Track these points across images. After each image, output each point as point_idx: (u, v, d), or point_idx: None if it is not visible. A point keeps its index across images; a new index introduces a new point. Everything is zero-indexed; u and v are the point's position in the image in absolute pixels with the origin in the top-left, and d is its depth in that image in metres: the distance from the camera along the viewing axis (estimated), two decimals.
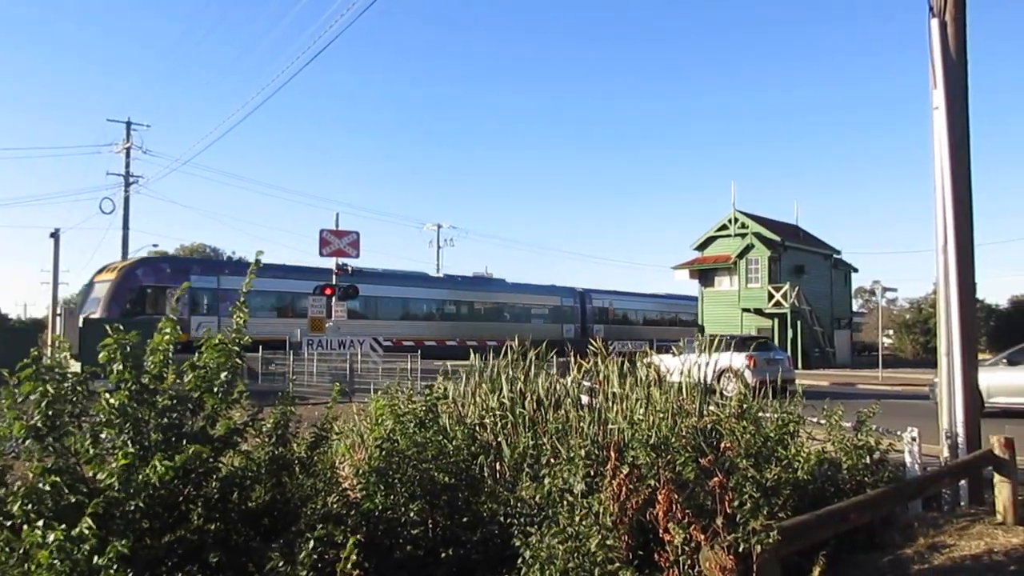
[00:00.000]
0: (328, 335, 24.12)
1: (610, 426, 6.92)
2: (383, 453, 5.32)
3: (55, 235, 32.82)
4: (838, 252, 46.97)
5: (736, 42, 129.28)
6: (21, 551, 3.56)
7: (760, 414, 6.41)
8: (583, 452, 4.89)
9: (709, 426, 6.32)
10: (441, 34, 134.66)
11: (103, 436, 4.15)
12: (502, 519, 5.17)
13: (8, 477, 4.32)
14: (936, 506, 6.78)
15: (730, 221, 42.71)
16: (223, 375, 4.62)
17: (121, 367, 4.28)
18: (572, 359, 8.92)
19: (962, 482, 6.68)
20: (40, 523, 3.62)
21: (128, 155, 39.67)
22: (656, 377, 8.24)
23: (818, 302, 42.73)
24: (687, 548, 4.00)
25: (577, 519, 4.39)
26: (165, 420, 4.32)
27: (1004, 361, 16.04)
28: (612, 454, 4.62)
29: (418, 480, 5.24)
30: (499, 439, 7.26)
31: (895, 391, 23.68)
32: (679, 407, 7.48)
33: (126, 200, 39.56)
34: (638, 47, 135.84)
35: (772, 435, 5.74)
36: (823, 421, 6.80)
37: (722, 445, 4.99)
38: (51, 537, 3.45)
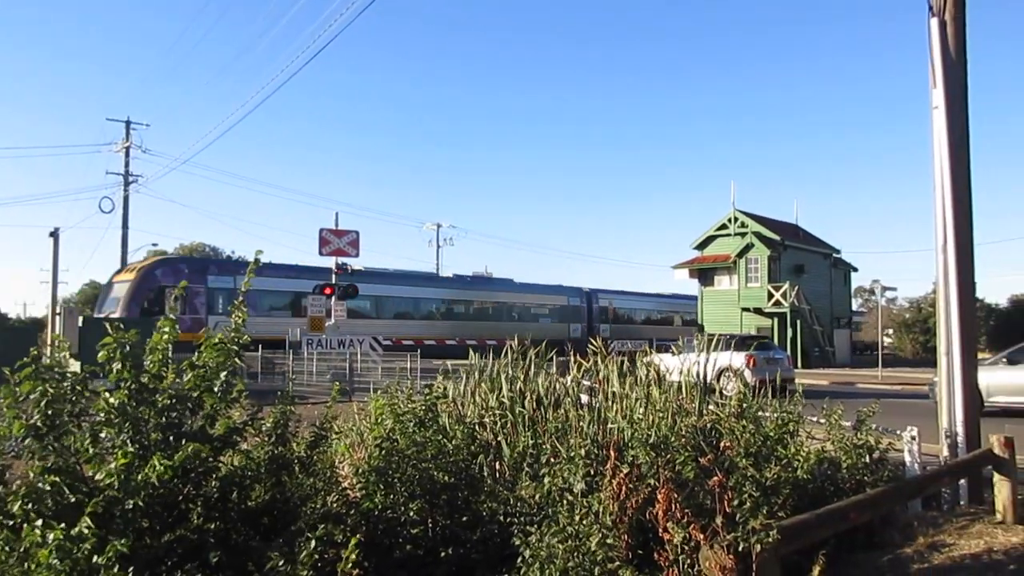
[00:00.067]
0: (328, 334, 24.09)
1: (610, 425, 6.92)
2: (383, 452, 5.32)
3: (54, 234, 32.83)
4: (838, 251, 46.98)
5: (736, 42, 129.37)
6: (21, 550, 3.56)
7: (760, 413, 6.40)
8: (583, 451, 4.89)
9: (709, 425, 6.32)
10: (441, 34, 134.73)
11: (103, 435, 4.15)
12: (502, 518, 5.17)
13: (8, 476, 4.32)
14: (936, 505, 6.78)
15: (730, 220, 42.71)
16: (222, 375, 4.61)
17: (120, 366, 4.28)
18: (572, 358, 8.92)
19: (962, 481, 6.68)
20: (39, 522, 3.62)
21: (127, 154, 39.69)
22: (656, 376, 8.24)
23: (818, 301, 42.73)
24: (687, 547, 4.00)
25: (577, 518, 4.39)
26: (164, 419, 4.32)
27: (1004, 360, 16.04)
28: (612, 453, 4.62)
29: (418, 479, 5.25)
30: (499, 438, 7.26)
31: (895, 390, 23.69)
32: (679, 406, 7.48)
33: (125, 199, 39.59)
34: (638, 47, 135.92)
35: (772, 434, 5.74)
36: (823, 420, 6.79)
37: (722, 444, 4.99)
38: (51, 536, 3.45)
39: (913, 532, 5.68)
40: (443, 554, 4.98)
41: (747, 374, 16.92)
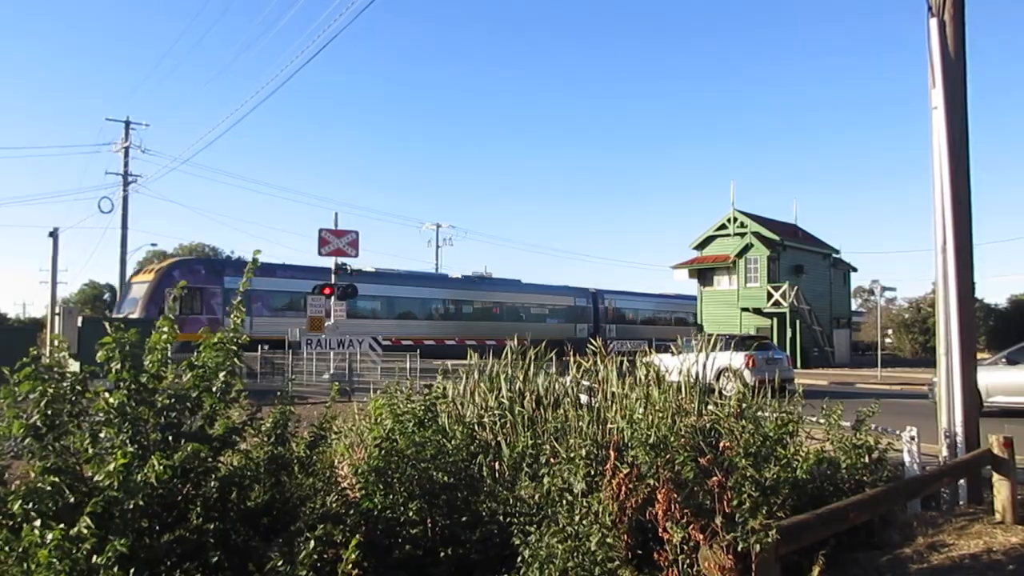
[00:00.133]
0: (327, 334, 24.08)
1: (609, 425, 6.92)
2: (382, 452, 5.31)
3: (54, 234, 32.87)
4: (837, 251, 46.99)
5: (736, 42, 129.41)
6: (20, 550, 3.55)
7: (759, 413, 6.40)
8: (583, 452, 4.89)
9: (708, 425, 6.32)
10: (441, 34, 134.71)
11: (102, 435, 4.14)
12: (501, 518, 5.17)
13: (7, 476, 4.32)
14: (935, 505, 6.78)
15: (729, 220, 42.71)
16: (221, 375, 4.61)
17: (120, 366, 4.27)
18: (572, 358, 8.92)
19: (961, 481, 6.68)
20: (38, 522, 3.61)
21: (127, 154, 39.62)
22: (655, 377, 8.24)
23: (817, 301, 42.74)
24: (686, 547, 4.00)
25: (577, 518, 4.39)
26: (164, 419, 4.32)
27: (1003, 360, 16.05)
28: (612, 453, 4.62)
29: (417, 479, 5.24)
30: (498, 438, 7.26)
31: (894, 390, 23.71)
32: (678, 406, 7.48)
33: (125, 199, 39.53)
34: (638, 47, 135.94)
35: (771, 434, 5.73)
36: (822, 420, 6.80)
37: (721, 444, 4.99)
38: (50, 536, 3.45)
39: (912, 532, 5.69)
40: (443, 554, 4.98)
41: (746, 374, 16.94)
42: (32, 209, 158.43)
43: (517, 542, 4.56)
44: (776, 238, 41.15)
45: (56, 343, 4.82)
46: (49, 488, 3.78)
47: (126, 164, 39.73)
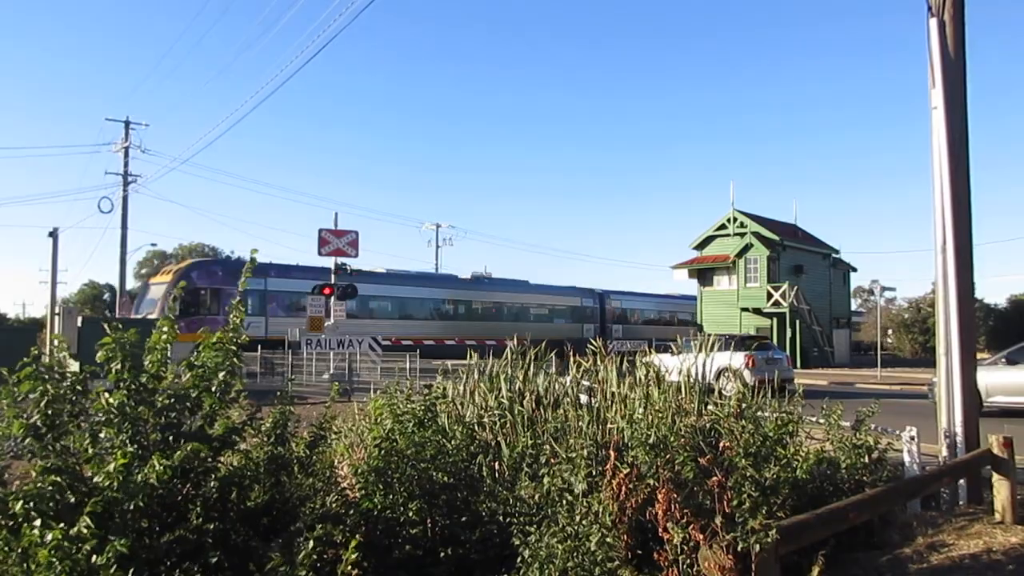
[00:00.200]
0: (327, 334, 24.07)
1: (609, 426, 6.92)
2: (382, 453, 5.32)
3: (53, 234, 32.85)
4: (837, 251, 46.99)
5: (736, 42, 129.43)
6: (20, 550, 3.55)
7: (759, 413, 6.40)
8: (584, 452, 4.89)
9: (708, 425, 6.32)
10: (441, 34, 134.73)
11: (102, 435, 4.14)
12: (501, 518, 5.17)
13: (7, 476, 4.31)
14: (935, 505, 6.78)
15: (729, 220, 42.72)
16: (221, 374, 4.61)
17: (120, 366, 4.27)
18: (572, 359, 8.91)
19: (961, 481, 6.68)
20: (38, 522, 3.61)
21: (127, 154, 39.57)
22: (655, 377, 8.24)
23: (817, 301, 42.75)
24: (686, 547, 4.01)
25: (577, 518, 4.39)
26: (163, 419, 4.32)
27: (1003, 360, 16.05)
28: (612, 453, 4.62)
29: (417, 480, 5.25)
30: (498, 439, 7.26)
31: (894, 390, 23.71)
32: (678, 406, 7.48)
33: (124, 199, 39.49)
34: (638, 47, 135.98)
35: (771, 434, 5.73)
36: (822, 420, 6.79)
37: (721, 444, 4.99)
38: (50, 536, 3.45)
39: (912, 532, 5.69)
40: (442, 554, 4.98)
41: (746, 374, 16.93)
42: (32, 209, 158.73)
43: (517, 542, 4.56)
44: (776, 238, 41.16)
45: (56, 343, 4.82)
46: (49, 488, 3.78)
47: (126, 164, 39.71)
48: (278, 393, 5.46)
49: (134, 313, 32.29)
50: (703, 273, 44.44)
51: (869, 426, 6.56)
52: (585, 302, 50.46)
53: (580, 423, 7.14)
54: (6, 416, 4.04)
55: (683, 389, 8.04)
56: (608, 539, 4.20)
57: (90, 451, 4.04)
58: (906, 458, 7.01)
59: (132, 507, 3.81)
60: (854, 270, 49.78)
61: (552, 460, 5.29)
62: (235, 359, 4.76)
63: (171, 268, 34.54)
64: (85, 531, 3.53)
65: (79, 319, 23.70)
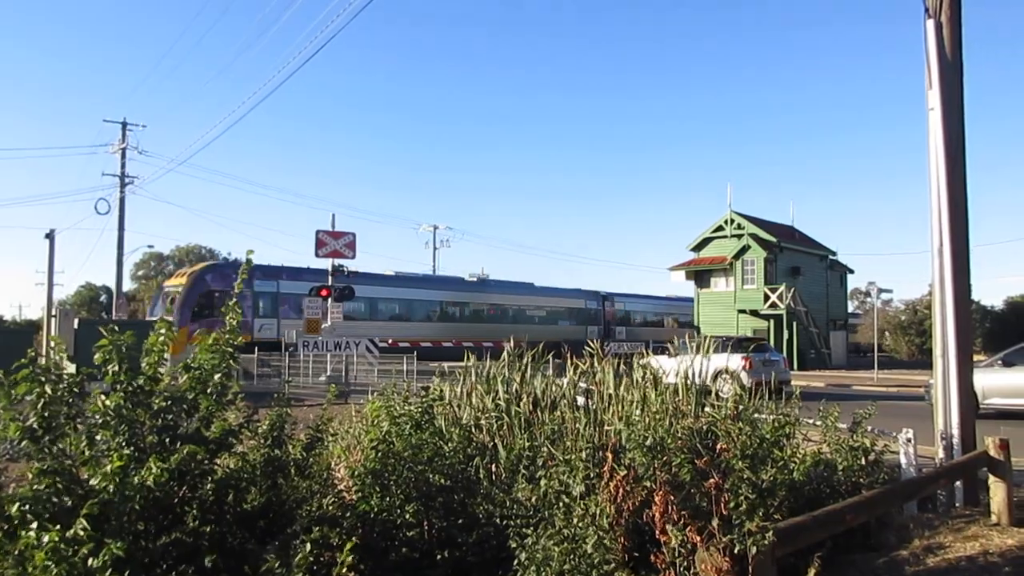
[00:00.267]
0: (324, 336, 24.04)
1: (606, 428, 6.91)
2: (379, 455, 5.31)
3: (50, 236, 32.78)
4: (834, 253, 47.04)
5: (733, 44, 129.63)
6: (16, 552, 3.54)
7: (756, 415, 6.40)
8: (582, 455, 4.88)
9: (705, 427, 6.32)
10: (438, 36, 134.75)
11: (98, 438, 4.13)
12: (498, 521, 5.16)
13: (3, 479, 4.30)
14: (931, 507, 6.79)
15: (726, 222, 42.76)
16: (217, 376, 4.60)
17: (116, 368, 4.27)
18: (569, 360, 8.89)
19: (957, 483, 6.69)
20: (35, 525, 3.60)
21: (124, 156, 39.49)
22: (652, 378, 8.23)
23: (814, 303, 42.79)
24: (683, 550, 4.00)
25: (574, 520, 4.38)
26: (160, 422, 4.31)
27: (999, 362, 16.07)
28: (609, 456, 4.61)
29: (414, 482, 5.24)
30: (495, 441, 7.25)
31: (890, 392, 23.73)
32: (675, 408, 7.47)
33: (121, 201, 39.41)
34: (635, 49, 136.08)
35: (768, 436, 5.73)
36: (819, 422, 6.79)
37: (718, 446, 4.99)
38: (46, 539, 3.44)
39: (909, 534, 5.69)
40: (439, 556, 4.97)
41: (743, 376, 16.94)
42: (28, 210, 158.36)
43: (514, 544, 4.55)
44: (773, 240, 41.20)
45: (53, 345, 4.80)
46: (45, 490, 3.77)
47: (123, 165, 39.62)
48: (275, 395, 5.45)
49: (149, 315, 32.59)
50: (700, 275, 44.47)
51: (866, 428, 6.55)
52: (589, 304, 50.94)
53: (577, 425, 7.13)
54: (2, 418, 4.02)
55: (680, 391, 8.03)
56: (605, 541, 4.19)
57: (86, 453, 4.03)
58: (903, 460, 7.01)
59: (128, 509, 3.80)
60: (851, 272, 49.85)
61: (549, 462, 5.28)
62: (231, 361, 4.75)
63: (186, 271, 34.97)
64: (82, 533, 3.52)
65: (76, 321, 23.64)
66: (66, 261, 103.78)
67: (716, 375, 15.32)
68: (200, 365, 4.65)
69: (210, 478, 4.44)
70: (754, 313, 41.12)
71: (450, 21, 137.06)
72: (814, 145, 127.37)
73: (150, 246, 53.60)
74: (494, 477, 6.29)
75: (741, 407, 6.50)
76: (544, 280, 69.46)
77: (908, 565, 5.09)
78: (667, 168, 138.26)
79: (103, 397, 4.22)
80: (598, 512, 4.35)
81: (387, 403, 6.24)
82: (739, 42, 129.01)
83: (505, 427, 7.54)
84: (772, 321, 40.33)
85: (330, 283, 25.20)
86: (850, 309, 55.19)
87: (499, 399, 8.03)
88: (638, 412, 7.14)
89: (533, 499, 5.10)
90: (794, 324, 40.02)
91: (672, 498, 4.17)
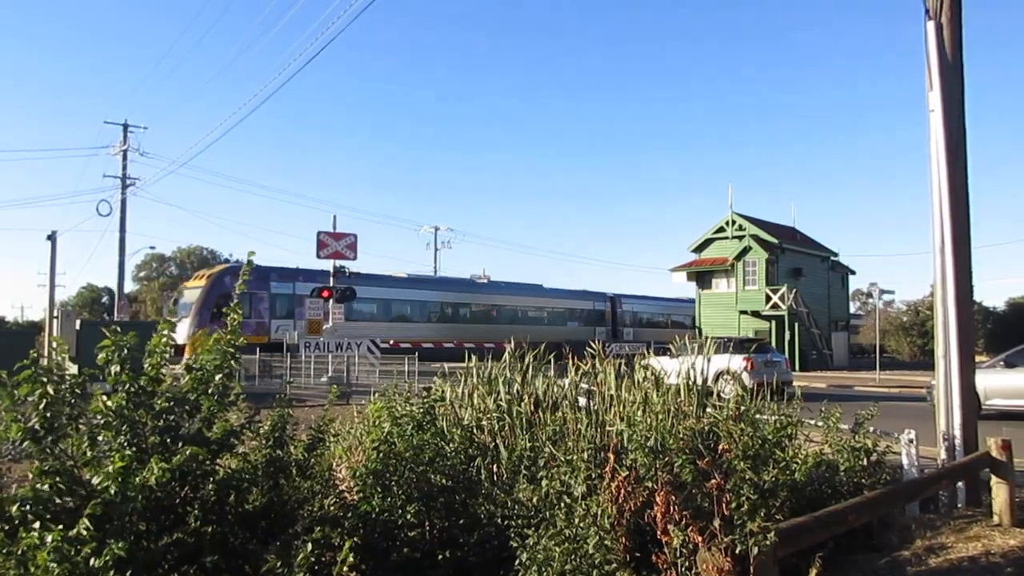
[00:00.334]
0: (325, 337, 24.04)
1: (608, 428, 6.91)
2: (380, 455, 5.31)
3: (52, 237, 32.81)
4: (835, 254, 47.02)
5: (734, 45, 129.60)
6: (19, 553, 3.55)
7: (758, 416, 6.39)
8: (584, 455, 4.88)
9: (706, 428, 6.31)
10: (438, 38, 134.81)
11: (100, 438, 4.14)
12: (499, 521, 5.16)
13: (6, 479, 4.31)
14: (933, 508, 6.78)
15: (727, 223, 42.75)
16: (218, 377, 4.61)
17: (119, 369, 4.27)
18: (570, 361, 8.89)
19: (959, 484, 6.68)
20: (37, 524, 3.61)
21: (125, 157, 39.57)
22: (654, 379, 8.22)
23: (815, 304, 42.76)
24: (685, 550, 4.00)
25: (576, 521, 4.38)
26: (162, 422, 4.31)
27: (1001, 363, 16.06)
28: (610, 456, 4.61)
29: (415, 482, 5.24)
30: (496, 441, 7.25)
31: (892, 393, 23.71)
32: (677, 409, 7.46)
33: (123, 202, 39.47)
34: (636, 50, 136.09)
35: (770, 437, 5.73)
36: (821, 423, 6.79)
37: (720, 447, 4.99)
38: (49, 539, 3.44)
39: (910, 535, 5.68)
40: (440, 557, 4.97)
41: (745, 377, 16.92)
42: (30, 212, 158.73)
43: (515, 545, 4.55)
44: (774, 241, 41.18)
45: (55, 346, 4.81)
46: (47, 491, 3.77)
47: (124, 167, 39.70)
48: (277, 396, 5.45)
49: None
50: (702, 276, 44.46)
51: (868, 429, 6.55)
52: (597, 305, 51.40)
53: (579, 426, 7.13)
54: (5, 419, 4.03)
55: (682, 392, 8.03)
56: (606, 542, 4.19)
57: (88, 454, 4.04)
58: (905, 461, 7.00)
59: (130, 510, 3.80)
60: (853, 273, 49.83)
61: (551, 463, 5.28)
62: (233, 361, 4.76)
63: (204, 273, 35.32)
64: (84, 533, 3.52)
65: (77, 322, 23.70)
66: (68, 262, 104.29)
67: (718, 376, 15.32)
68: (202, 366, 4.66)
69: (212, 478, 4.44)
70: (756, 314, 41.10)
71: (450, 21, 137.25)
72: (815, 146, 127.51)
73: (152, 247, 53.89)
74: (495, 477, 6.29)
75: (743, 408, 6.49)
76: (544, 281, 69.67)
77: (910, 565, 5.08)
78: (667, 168, 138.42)
79: (104, 398, 4.22)
80: (599, 512, 4.35)
81: (389, 404, 6.24)
82: (739, 42, 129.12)
83: (507, 428, 7.54)
84: (774, 322, 40.31)
85: (331, 284, 25.21)
86: (852, 310, 55.18)
87: (501, 400, 8.03)
88: (640, 413, 7.13)
89: (534, 499, 5.10)
90: (796, 325, 40.00)
91: (674, 498, 4.17)
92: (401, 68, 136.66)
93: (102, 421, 4.13)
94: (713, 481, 4.24)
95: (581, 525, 4.33)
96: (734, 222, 42.40)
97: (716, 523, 4.01)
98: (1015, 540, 5.42)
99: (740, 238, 41.74)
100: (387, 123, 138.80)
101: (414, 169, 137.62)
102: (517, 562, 4.47)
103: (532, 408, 7.86)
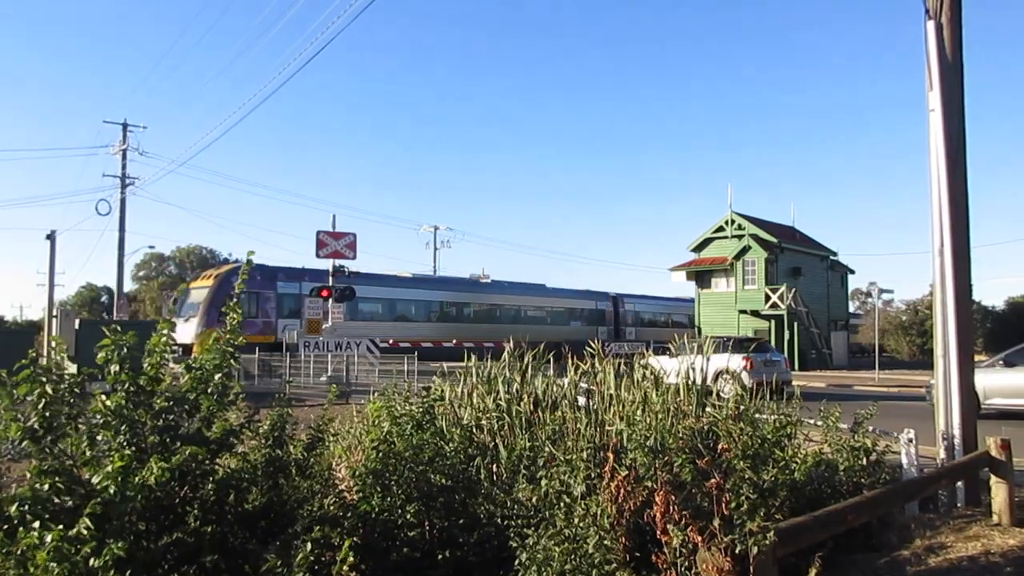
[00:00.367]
0: (324, 336, 24.01)
1: (607, 428, 6.91)
2: (380, 455, 5.31)
3: (51, 237, 32.78)
4: (835, 254, 47.03)
5: (734, 45, 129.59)
6: (18, 552, 3.54)
7: (757, 415, 6.39)
8: (584, 455, 4.88)
9: (706, 427, 6.31)
10: (438, 38, 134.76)
11: (99, 438, 4.14)
12: (499, 521, 5.16)
13: (4, 479, 4.30)
14: (932, 508, 6.78)
15: (727, 223, 42.75)
16: (217, 376, 4.60)
17: (118, 368, 4.27)
18: (570, 361, 8.89)
19: (958, 484, 6.68)
20: (37, 524, 3.60)
21: (124, 157, 39.57)
22: (653, 378, 8.22)
23: (815, 304, 42.76)
24: (684, 550, 4.00)
25: (575, 521, 4.38)
26: (161, 422, 4.31)
27: (1000, 363, 16.07)
28: (610, 456, 4.61)
29: (415, 482, 5.24)
30: (496, 441, 7.25)
31: (892, 392, 23.73)
32: (676, 408, 7.46)
33: (122, 202, 39.47)
34: (636, 50, 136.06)
35: (769, 436, 5.73)
36: (820, 422, 6.79)
37: (719, 446, 4.99)
38: (48, 538, 3.44)
39: (910, 534, 5.68)
40: (440, 556, 4.97)
41: (745, 376, 16.92)
42: (29, 211, 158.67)
43: (515, 544, 4.55)
44: (774, 240, 41.18)
45: (55, 345, 4.81)
46: (45, 490, 3.77)
47: (123, 166, 39.71)
48: (276, 395, 5.45)
49: (176, 317, 33.05)
50: (701, 275, 44.46)
51: (867, 428, 6.55)
52: (600, 305, 51.42)
53: (578, 425, 7.13)
54: (4, 419, 4.03)
55: (681, 391, 8.02)
56: (606, 541, 4.19)
57: (87, 453, 4.03)
58: (904, 460, 7.00)
59: (129, 509, 3.80)
60: (852, 272, 49.83)
61: (550, 462, 5.28)
62: (232, 361, 4.75)
63: (211, 273, 35.31)
64: (85, 533, 3.52)
65: (77, 321, 23.69)
66: (67, 262, 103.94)
67: (717, 375, 15.31)
68: (201, 365, 4.66)
69: (211, 478, 4.44)
70: (755, 313, 41.10)
71: (450, 21, 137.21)
72: (815, 146, 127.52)
73: (151, 247, 53.81)
74: (495, 477, 6.29)
75: (742, 407, 6.49)
76: (545, 280, 69.77)
77: (910, 565, 5.08)
78: (667, 168, 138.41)
79: (103, 397, 4.22)
80: (599, 512, 4.35)
81: (388, 403, 6.24)
82: (739, 42, 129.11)
83: (506, 427, 7.54)
84: (773, 321, 40.32)
85: (330, 283, 25.19)
86: (851, 309, 55.17)
87: (500, 399, 8.03)
88: (639, 412, 7.13)
89: (534, 499, 5.09)
90: (795, 324, 40.00)
91: (673, 498, 4.17)
92: (401, 68, 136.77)
93: (101, 420, 4.13)
94: (713, 481, 4.24)
95: (581, 525, 4.33)
96: (733, 221, 42.40)
97: (716, 523, 4.00)
98: (1014, 539, 5.42)
99: (739, 237, 41.74)
100: (387, 123, 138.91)
101: (414, 169, 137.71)
102: (517, 562, 4.47)
103: (532, 407, 7.85)
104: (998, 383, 15.26)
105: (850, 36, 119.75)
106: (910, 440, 7.01)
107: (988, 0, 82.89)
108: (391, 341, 29.30)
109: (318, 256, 24.72)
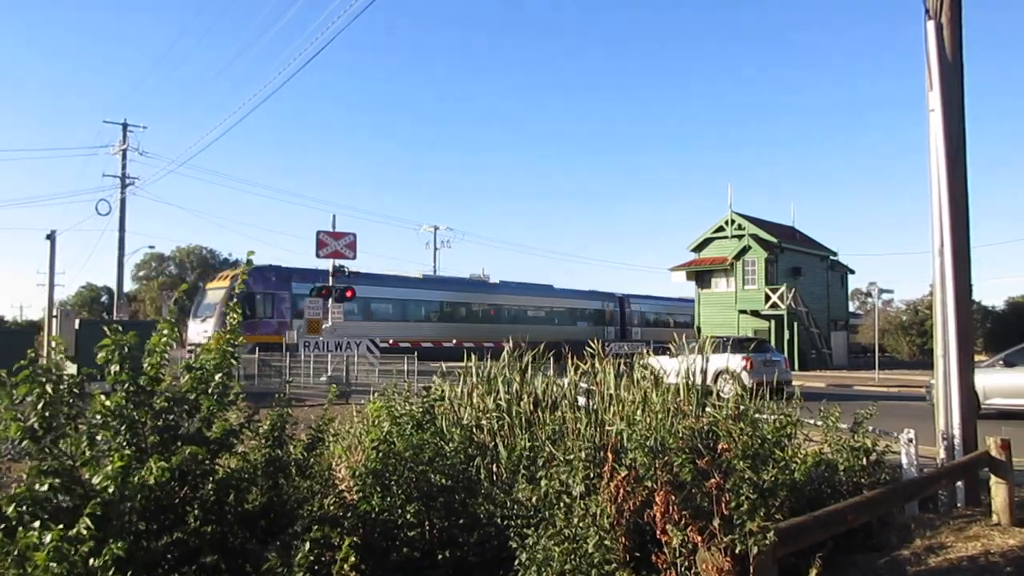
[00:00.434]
0: (324, 336, 24.00)
1: (607, 428, 6.90)
2: (380, 455, 5.31)
3: (51, 237, 32.81)
4: (835, 254, 47.02)
5: (734, 46, 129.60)
6: (17, 553, 3.54)
7: (757, 415, 6.39)
8: (583, 455, 4.88)
9: (706, 427, 6.31)
10: (438, 38, 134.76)
11: (99, 438, 4.14)
12: (499, 521, 5.16)
13: (5, 479, 4.30)
14: (933, 507, 6.78)
15: (727, 223, 42.73)
16: (218, 376, 4.60)
17: (118, 368, 4.27)
18: (570, 361, 8.88)
19: (958, 483, 6.68)
20: (36, 524, 3.60)
21: (124, 157, 39.55)
22: (653, 378, 8.22)
23: (815, 304, 42.75)
24: (684, 550, 3.99)
25: (575, 521, 4.38)
26: (161, 422, 4.31)
27: (1000, 363, 16.06)
28: (610, 456, 4.61)
29: (415, 482, 5.24)
30: (496, 441, 7.25)
31: (892, 392, 23.72)
32: (676, 408, 7.46)
33: (122, 202, 39.47)
34: (636, 50, 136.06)
35: (769, 436, 5.73)
36: (820, 423, 6.79)
37: (719, 446, 4.98)
38: (48, 538, 3.44)
39: (910, 534, 5.68)
40: (440, 556, 4.97)
41: (744, 376, 16.92)
42: (29, 211, 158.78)
43: (514, 544, 4.55)
44: (774, 240, 41.17)
45: (54, 345, 4.81)
46: (44, 491, 3.76)
47: (123, 166, 39.69)
48: (276, 395, 5.45)
49: (192, 317, 33.35)
50: (701, 275, 44.45)
51: (867, 428, 6.55)
52: (606, 305, 51.59)
53: (578, 425, 7.13)
54: (4, 419, 4.03)
55: (681, 391, 8.02)
56: (606, 541, 4.19)
57: (87, 453, 4.03)
58: (904, 460, 7.00)
59: (129, 509, 3.80)
60: (852, 272, 49.82)
61: (550, 462, 5.28)
62: (232, 361, 4.75)
63: (228, 273, 35.53)
64: (85, 533, 3.52)
65: (77, 322, 23.69)
66: (67, 262, 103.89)
67: (717, 375, 15.32)
68: (202, 365, 4.66)
69: (211, 478, 4.44)
70: (755, 313, 41.09)
71: (450, 22, 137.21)
72: (815, 146, 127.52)
73: (151, 247, 53.83)
74: (495, 477, 6.29)
75: (742, 407, 6.49)
76: (548, 281, 69.87)
77: (909, 565, 5.08)
78: (667, 168, 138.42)
79: (103, 397, 4.22)
80: (599, 512, 4.34)
81: (388, 403, 6.24)
82: (739, 42, 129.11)
83: (506, 427, 7.54)
84: (773, 321, 40.30)
85: (331, 283, 25.18)
86: (851, 309, 55.17)
87: (500, 399, 8.02)
88: (639, 412, 7.13)
89: (534, 499, 5.09)
90: (795, 324, 39.99)
91: (673, 498, 4.16)
92: (401, 68, 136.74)
93: (101, 421, 4.13)
94: (712, 481, 4.24)
95: (580, 525, 4.33)
96: (733, 222, 42.38)
97: (715, 523, 4.00)
98: (1014, 539, 5.42)
99: (739, 237, 41.73)
100: (387, 123, 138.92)
101: (414, 169, 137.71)
102: (517, 562, 4.46)
103: (532, 407, 7.85)
104: (998, 383, 15.26)
105: (850, 36, 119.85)
106: (910, 440, 7.01)
107: (988, 0, 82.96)
108: (391, 341, 29.30)
109: (318, 256, 24.69)
